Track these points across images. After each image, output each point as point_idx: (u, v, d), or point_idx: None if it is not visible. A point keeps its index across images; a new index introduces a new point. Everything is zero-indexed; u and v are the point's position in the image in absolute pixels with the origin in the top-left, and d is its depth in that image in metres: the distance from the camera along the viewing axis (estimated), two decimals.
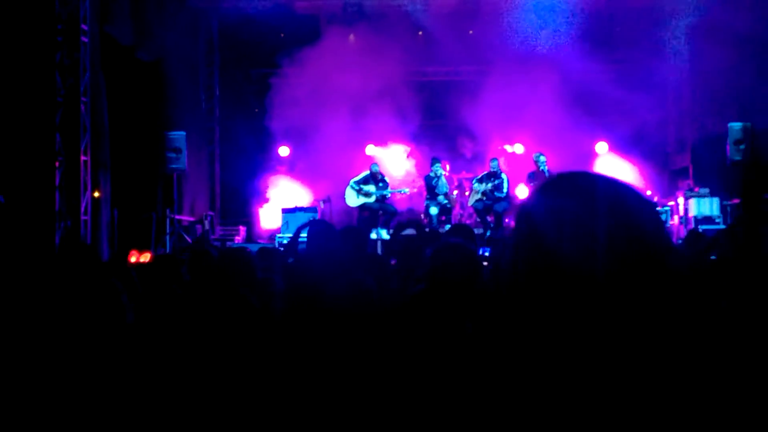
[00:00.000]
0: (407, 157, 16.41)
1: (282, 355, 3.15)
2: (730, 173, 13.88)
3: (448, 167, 15.68)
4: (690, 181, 15.45)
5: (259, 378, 2.94)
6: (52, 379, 2.61)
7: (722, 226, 12.84)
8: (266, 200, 16.53)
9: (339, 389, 2.73)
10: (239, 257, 4.22)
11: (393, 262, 4.87)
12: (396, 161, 16.36)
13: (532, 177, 14.14)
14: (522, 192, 14.87)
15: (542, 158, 14.11)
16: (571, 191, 1.17)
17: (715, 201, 13.70)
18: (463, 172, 15.96)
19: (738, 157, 13.64)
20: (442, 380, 2.79)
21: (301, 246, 5.76)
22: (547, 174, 13.97)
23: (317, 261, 4.81)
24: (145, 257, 8.57)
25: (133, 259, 8.69)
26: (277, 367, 3.05)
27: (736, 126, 13.72)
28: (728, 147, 13.78)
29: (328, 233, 4.84)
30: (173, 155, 14.23)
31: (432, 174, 14.50)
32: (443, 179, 14.52)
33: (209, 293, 3.98)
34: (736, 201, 13.63)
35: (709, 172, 14.79)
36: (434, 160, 14.67)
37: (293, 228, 14.43)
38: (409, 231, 5.07)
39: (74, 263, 4.63)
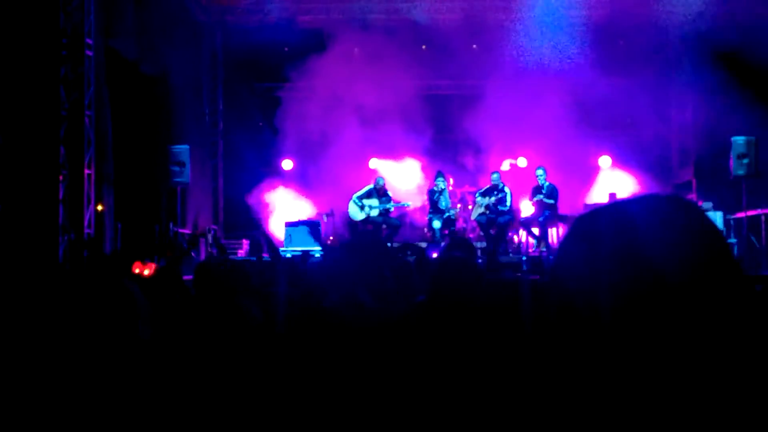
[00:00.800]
0: (420, 171, 16.42)
1: (284, 366, 3.15)
2: (734, 187, 13.86)
3: (451, 181, 15.68)
4: (693, 195, 15.44)
5: (258, 388, 2.94)
6: (61, 391, 2.61)
7: (729, 240, 12.79)
8: (271, 213, 16.55)
9: (336, 401, 2.73)
10: (236, 270, 4.22)
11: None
12: (406, 175, 16.37)
13: (535, 191, 14.14)
14: (526, 207, 14.86)
15: (539, 172, 14.13)
16: (578, 238, 1.16)
17: (719, 215, 13.68)
18: (467, 186, 15.96)
19: (741, 171, 13.62)
20: (441, 393, 2.79)
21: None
22: (545, 188, 13.96)
23: (319, 273, 4.81)
24: (149, 269, 8.56)
25: (136, 271, 8.68)
26: (278, 378, 3.05)
27: (739, 140, 13.71)
28: (732, 161, 13.76)
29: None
30: (177, 169, 14.24)
31: (435, 188, 14.50)
32: (446, 193, 14.51)
33: (211, 305, 3.98)
34: (740, 215, 13.61)
35: (712, 186, 14.78)
36: (438, 174, 14.68)
37: (296, 241, 14.52)
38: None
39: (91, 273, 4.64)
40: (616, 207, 1.16)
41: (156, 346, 3.29)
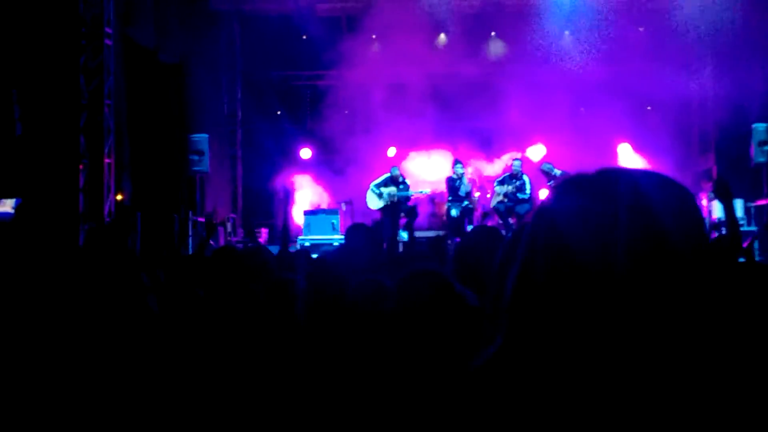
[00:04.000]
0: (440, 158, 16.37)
1: (304, 354, 3.15)
2: (755, 175, 13.74)
3: (470, 169, 15.62)
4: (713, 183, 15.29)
5: (276, 378, 2.94)
6: (75, 372, 2.63)
7: (748, 228, 12.70)
8: (293, 202, 16.57)
9: (358, 388, 2.73)
10: (257, 255, 4.22)
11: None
12: (426, 163, 16.33)
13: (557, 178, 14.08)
14: (544, 195, 14.78)
15: (548, 166, 14.14)
16: (591, 189, 1.15)
17: (739, 203, 13.56)
18: (485, 174, 15.92)
19: (762, 158, 13.51)
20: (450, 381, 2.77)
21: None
22: (557, 177, 13.90)
23: (338, 260, 4.81)
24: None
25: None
26: (297, 366, 3.05)
27: (760, 127, 13.59)
28: (752, 148, 13.64)
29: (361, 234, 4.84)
30: (196, 158, 14.29)
31: (454, 176, 14.46)
32: (465, 181, 14.46)
33: (228, 291, 3.98)
34: (761, 202, 13.49)
35: (733, 173, 14.64)
36: (456, 162, 14.65)
37: (315, 230, 14.54)
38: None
39: (102, 259, 4.66)
40: (629, 171, 1.17)
41: (167, 329, 3.30)
